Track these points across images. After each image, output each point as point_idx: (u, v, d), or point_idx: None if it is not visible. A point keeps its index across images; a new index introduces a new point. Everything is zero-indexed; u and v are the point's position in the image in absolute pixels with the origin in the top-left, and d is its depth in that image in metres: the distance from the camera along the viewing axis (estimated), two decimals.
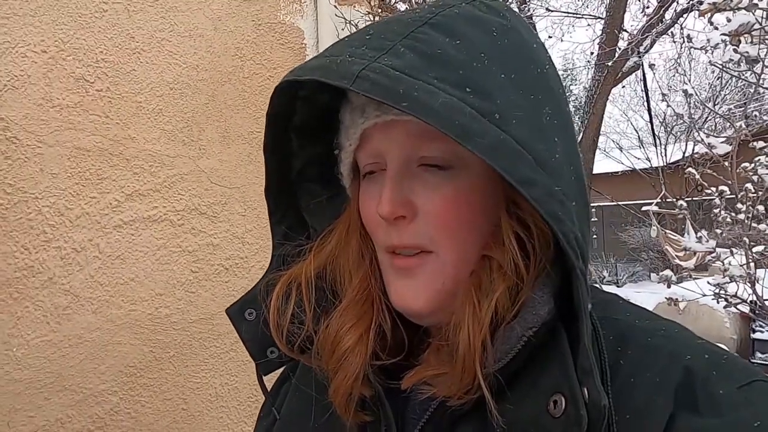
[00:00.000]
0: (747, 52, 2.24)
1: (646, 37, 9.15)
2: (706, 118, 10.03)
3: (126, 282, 1.52)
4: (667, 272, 2.77)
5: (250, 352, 0.59)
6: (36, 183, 1.42)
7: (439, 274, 0.50)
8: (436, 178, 0.49)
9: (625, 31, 9.69)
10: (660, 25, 9.09)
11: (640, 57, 9.06)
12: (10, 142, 1.39)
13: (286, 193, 0.60)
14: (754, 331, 5.63)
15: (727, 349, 0.48)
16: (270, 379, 0.66)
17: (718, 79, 10.80)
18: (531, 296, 0.46)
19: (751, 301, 2.72)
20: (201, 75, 1.65)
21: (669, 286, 2.77)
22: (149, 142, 1.56)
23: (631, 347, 0.46)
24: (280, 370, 0.64)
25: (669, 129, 13.05)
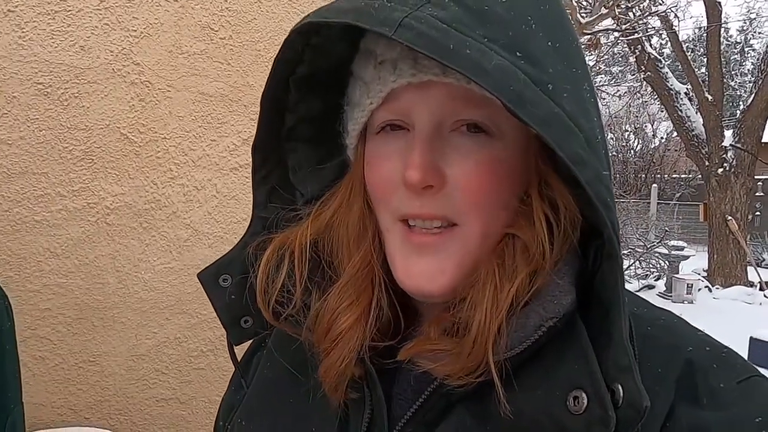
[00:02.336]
0: None
1: None
2: None
3: (239, 221, 1.63)
4: None
5: (222, 322, 0.55)
6: (165, 124, 1.55)
7: (461, 249, 0.45)
8: (471, 143, 0.44)
9: None
10: None
11: None
12: (144, 86, 1.52)
13: (275, 150, 0.55)
14: None
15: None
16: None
17: None
18: (555, 282, 0.42)
19: None
20: None
21: None
22: None
23: (632, 336, 0.43)
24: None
25: None
